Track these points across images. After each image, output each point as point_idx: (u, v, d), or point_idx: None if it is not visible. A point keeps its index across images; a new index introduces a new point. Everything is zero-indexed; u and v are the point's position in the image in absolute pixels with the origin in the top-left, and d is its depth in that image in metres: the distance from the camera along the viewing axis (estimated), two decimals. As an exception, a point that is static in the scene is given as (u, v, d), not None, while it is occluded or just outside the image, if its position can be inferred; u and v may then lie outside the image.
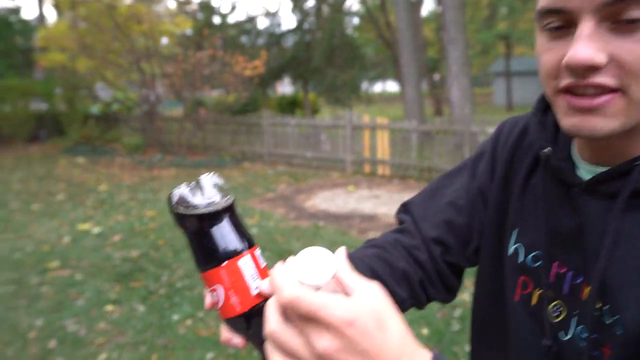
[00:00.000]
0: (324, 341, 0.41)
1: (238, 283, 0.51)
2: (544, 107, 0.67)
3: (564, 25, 0.52)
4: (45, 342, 3.14)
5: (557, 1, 0.51)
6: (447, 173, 0.84)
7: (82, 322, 3.40)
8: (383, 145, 8.76)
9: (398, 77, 18.68)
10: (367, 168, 9.02)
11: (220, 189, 0.53)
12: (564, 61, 0.51)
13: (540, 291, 0.65)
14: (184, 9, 18.22)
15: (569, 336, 0.61)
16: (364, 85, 18.18)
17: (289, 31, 15.26)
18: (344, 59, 15.19)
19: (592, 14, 0.49)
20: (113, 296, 3.82)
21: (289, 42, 15.50)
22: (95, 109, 14.76)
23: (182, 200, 0.51)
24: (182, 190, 0.52)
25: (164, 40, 13.34)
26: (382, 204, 6.75)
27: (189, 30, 16.76)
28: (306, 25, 15.02)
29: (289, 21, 29.31)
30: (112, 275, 4.23)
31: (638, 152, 0.56)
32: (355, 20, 20.22)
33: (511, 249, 0.70)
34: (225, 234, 0.52)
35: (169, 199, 0.52)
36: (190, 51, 12.03)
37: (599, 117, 0.51)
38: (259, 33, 15.47)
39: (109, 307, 3.63)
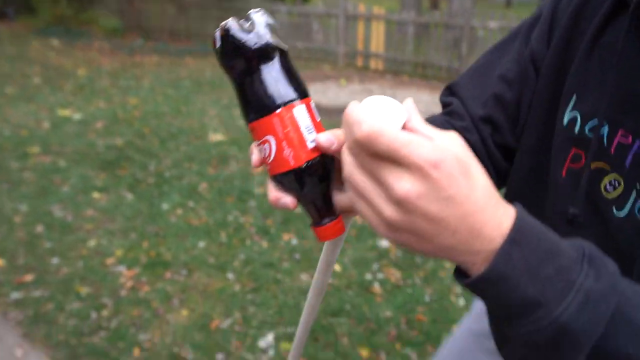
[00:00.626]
0: (404, 184, 0.35)
1: (293, 134, 0.45)
2: None
3: None
4: (32, 227, 3.07)
5: None
6: (497, 43, 0.73)
7: (68, 208, 3.32)
8: (378, 38, 8.31)
9: (396, -36, 17.31)
10: (359, 61, 8.64)
11: (272, 29, 0.46)
12: None
13: (596, 164, 0.58)
14: None
15: (624, 212, 0.55)
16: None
17: None
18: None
19: None
20: (99, 183, 3.71)
21: None
22: (66, -15, 13.54)
23: (230, 35, 0.44)
24: (230, 24, 0.45)
25: None
26: (375, 100, 6.54)
27: None
28: None
29: None
30: (97, 163, 4.09)
31: None
32: None
33: (566, 119, 0.61)
34: (278, 78, 0.45)
35: (215, 35, 0.46)
36: None
37: None
38: None
39: (96, 195, 3.54)
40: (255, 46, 0.44)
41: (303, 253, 2.90)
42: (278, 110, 0.44)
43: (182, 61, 8.86)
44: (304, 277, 2.68)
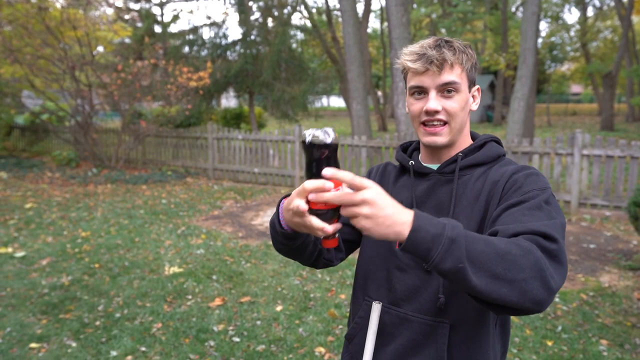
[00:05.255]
0: (370, 192, 0.84)
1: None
2: (404, 147, 1.31)
3: (422, 92, 1.13)
4: (-47, 391, 2.66)
5: (419, 82, 1.12)
6: None
7: (0, 364, 2.93)
8: (332, 161, 8.63)
9: (344, 93, 18.77)
10: (316, 184, 8.84)
11: (334, 137, 0.89)
12: (425, 107, 1.12)
13: None
14: (122, 16, 17.41)
15: None
16: (309, 99, 18.17)
17: (235, 43, 14.88)
18: (291, 73, 15.01)
19: (434, 89, 1.11)
20: (39, 331, 3.35)
21: (234, 54, 15.12)
22: (21, 119, 13.66)
23: (315, 136, 0.88)
24: (322, 130, 0.88)
25: (99, 49, 12.59)
26: (334, 221, 6.57)
27: (127, 39, 15.99)
28: (252, 38, 14.74)
29: (234, 33, 28.94)
30: (38, 306, 3.73)
31: (451, 155, 1.18)
32: (300, 35, 20.21)
33: None
34: (336, 160, 0.92)
35: (305, 135, 0.88)
36: (130, 60, 11.42)
37: (439, 136, 1.14)
38: (203, 43, 14.96)
39: (34, 345, 3.16)
40: (336, 142, 0.89)
41: (269, 401, 2.62)
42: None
43: (138, 189, 8.77)
44: None
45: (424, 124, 1.13)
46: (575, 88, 50.96)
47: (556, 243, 0.92)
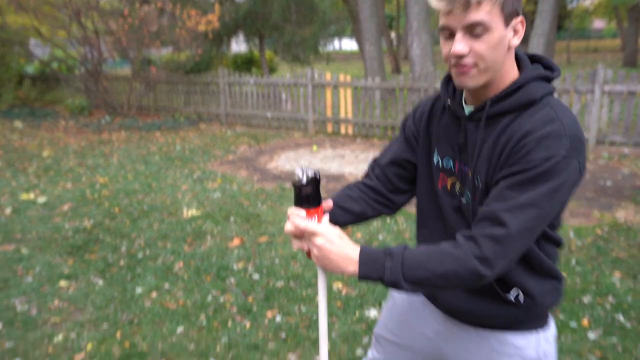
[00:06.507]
0: (319, 239, 1.06)
1: (320, 214, 1.13)
2: (448, 80, 1.22)
3: (450, 34, 1.05)
4: (-9, 325, 2.81)
5: (445, 22, 1.04)
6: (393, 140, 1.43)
7: (32, 301, 3.08)
8: (346, 104, 8.52)
9: (356, 35, 18.22)
10: (329, 127, 8.78)
11: (315, 175, 1.10)
12: (451, 50, 1.05)
13: (451, 179, 1.21)
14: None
15: (465, 200, 1.17)
16: (321, 42, 17.69)
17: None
18: (301, 14, 14.56)
19: (461, 29, 1.03)
20: (66, 270, 3.48)
21: (242, -4, 14.67)
22: (31, 68, 13.59)
23: (306, 174, 1.08)
24: (305, 170, 1.08)
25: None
26: (348, 164, 6.57)
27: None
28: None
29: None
30: (64, 248, 3.87)
31: (489, 96, 1.11)
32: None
33: (435, 159, 1.25)
34: (318, 193, 1.12)
35: (296, 175, 1.08)
36: (136, 4, 11.13)
37: (468, 78, 1.07)
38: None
39: (63, 283, 3.30)
40: (307, 180, 1.08)
41: (289, 331, 2.73)
42: (319, 206, 1.12)
43: (152, 136, 8.81)
44: (292, 357, 2.50)
45: (455, 65, 1.07)
46: (598, 24, 48.85)
47: (504, 228, 0.99)
